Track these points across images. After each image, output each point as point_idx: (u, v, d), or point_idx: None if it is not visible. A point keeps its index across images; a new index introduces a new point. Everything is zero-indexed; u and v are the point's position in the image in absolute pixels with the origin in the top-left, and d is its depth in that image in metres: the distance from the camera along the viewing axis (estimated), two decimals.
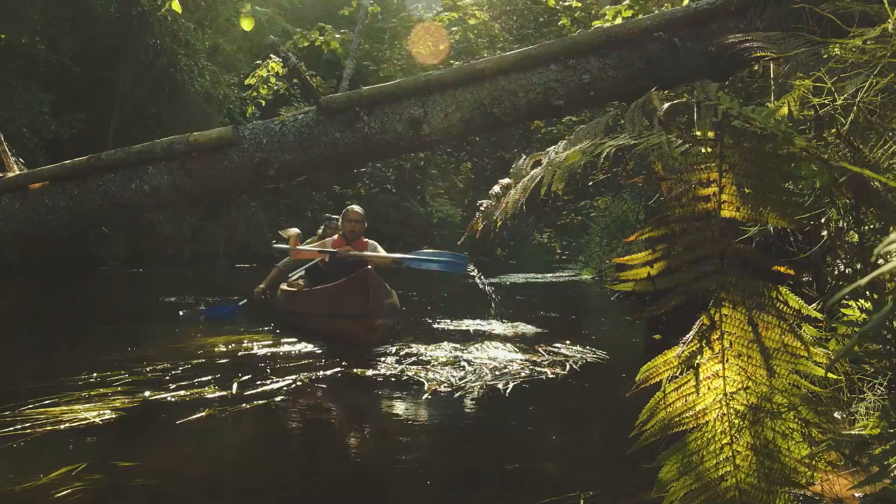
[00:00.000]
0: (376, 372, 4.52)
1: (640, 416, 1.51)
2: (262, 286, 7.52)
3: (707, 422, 1.48)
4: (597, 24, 6.79)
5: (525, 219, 26.97)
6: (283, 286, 6.97)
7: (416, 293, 11.07)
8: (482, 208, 2.51)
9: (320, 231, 6.79)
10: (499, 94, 3.21)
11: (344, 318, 5.59)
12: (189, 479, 2.73)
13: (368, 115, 3.21)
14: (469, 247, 25.99)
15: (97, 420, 3.30)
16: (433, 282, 15.12)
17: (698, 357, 1.48)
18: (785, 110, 2.11)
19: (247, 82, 7.89)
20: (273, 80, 7.48)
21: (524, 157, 2.37)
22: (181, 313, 7.67)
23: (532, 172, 2.08)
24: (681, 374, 1.50)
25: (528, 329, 6.58)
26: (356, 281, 5.46)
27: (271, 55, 7.23)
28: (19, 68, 13.78)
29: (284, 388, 4.03)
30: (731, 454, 1.45)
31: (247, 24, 6.15)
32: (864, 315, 1.96)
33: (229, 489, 2.65)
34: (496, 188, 2.49)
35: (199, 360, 4.79)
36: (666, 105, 1.73)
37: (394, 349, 5.29)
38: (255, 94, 7.75)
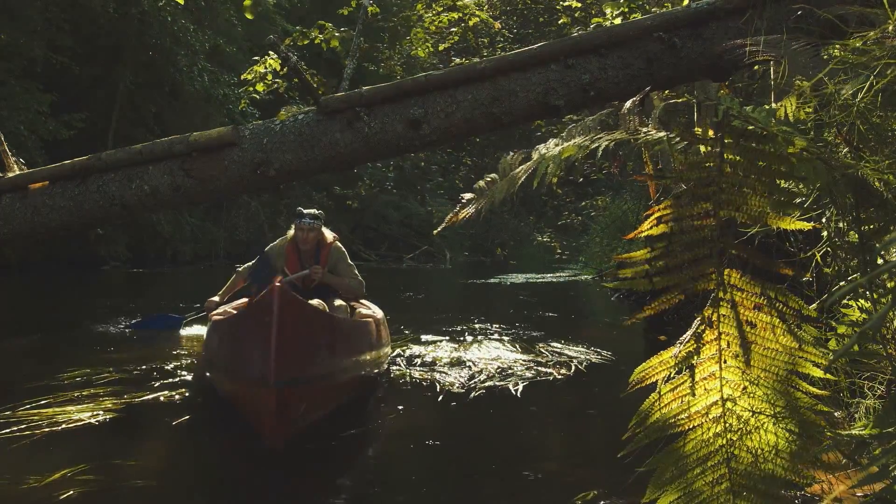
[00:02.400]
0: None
1: (634, 417, 1.50)
2: (215, 298, 4.89)
3: (703, 423, 1.47)
4: (596, 21, 6.80)
5: (525, 219, 26.98)
6: (219, 312, 4.38)
7: (415, 294, 11.06)
8: (464, 200, 2.53)
9: (290, 232, 4.72)
10: (499, 94, 3.21)
11: (243, 383, 3.14)
12: (188, 478, 2.73)
13: (368, 115, 3.21)
14: (469, 247, 26.03)
15: (95, 421, 3.30)
16: (431, 282, 15.11)
17: (695, 357, 1.48)
18: (783, 111, 2.10)
19: (243, 77, 7.86)
20: (270, 77, 7.46)
21: (512, 153, 2.38)
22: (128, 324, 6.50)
23: (524, 165, 2.09)
24: (677, 374, 1.49)
25: (530, 329, 6.58)
26: (256, 309, 3.03)
27: (270, 52, 7.21)
28: (18, 68, 13.77)
29: None
30: (727, 456, 1.44)
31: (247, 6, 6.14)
32: (863, 315, 1.96)
33: (229, 487, 2.64)
34: (480, 183, 2.51)
35: (197, 360, 4.79)
36: (662, 104, 1.73)
37: (395, 350, 5.29)
38: (250, 88, 7.71)
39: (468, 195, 2.56)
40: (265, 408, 2.83)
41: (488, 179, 2.50)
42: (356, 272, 4.72)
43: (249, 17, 6.16)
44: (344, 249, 4.78)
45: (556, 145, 2.01)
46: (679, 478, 1.46)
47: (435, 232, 3.39)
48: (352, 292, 4.68)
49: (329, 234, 4.75)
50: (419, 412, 3.72)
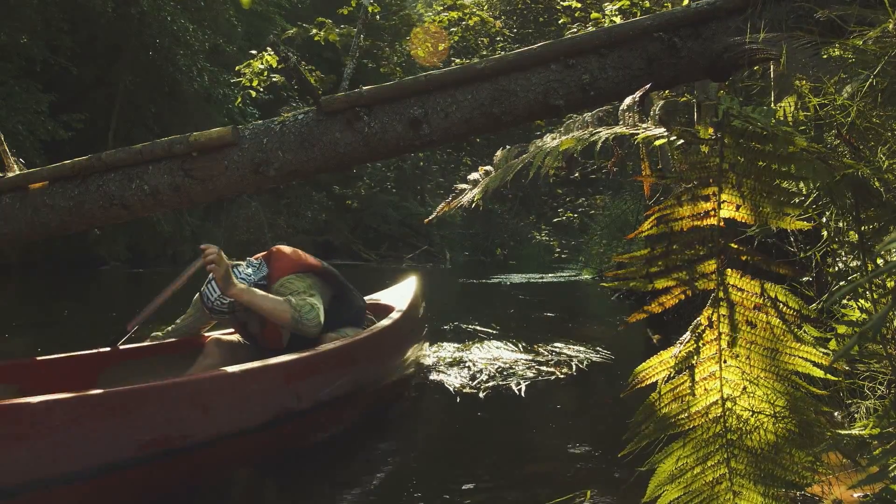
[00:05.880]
0: None
1: (634, 417, 1.50)
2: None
3: (703, 423, 1.47)
4: (595, 16, 6.82)
5: (525, 219, 26.98)
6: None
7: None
8: (458, 190, 2.52)
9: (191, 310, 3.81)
10: (498, 93, 3.21)
11: None
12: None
13: (368, 115, 3.20)
14: (469, 247, 26.02)
15: None
16: (431, 282, 15.10)
17: (695, 357, 1.48)
18: (783, 111, 2.10)
19: (238, 69, 7.85)
20: (266, 73, 7.46)
21: (507, 147, 2.38)
22: None
23: (521, 157, 2.09)
24: (677, 374, 1.49)
25: (530, 329, 6.58)
26: None
27: (268, 48, 7.22)
28: (17, 68, 13.77)
29: None
30: (727, 456, 1.44)
31: (246, 1, 6.17)
32: (864, 315, 1.96)
33: (231, 487, 2.65)
34: (474, 175, 2.50)
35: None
36: (662, 102, 1.73)
37: None
38: (247, 83, 7.70)
39: (462, 185, 2.55)
40: None
41: (483, 171, 2.49)
42: (304, 296, 3.23)
43: (246, 6, 6.21)
44: (292, 278, 3.38)
45: (554, 139, 2.01)
46: (679, 477, 1.46)
47: (426, 221, 3.11)
48: (276, 315, 3.13)
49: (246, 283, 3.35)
50: (418, 411, 3.72)
